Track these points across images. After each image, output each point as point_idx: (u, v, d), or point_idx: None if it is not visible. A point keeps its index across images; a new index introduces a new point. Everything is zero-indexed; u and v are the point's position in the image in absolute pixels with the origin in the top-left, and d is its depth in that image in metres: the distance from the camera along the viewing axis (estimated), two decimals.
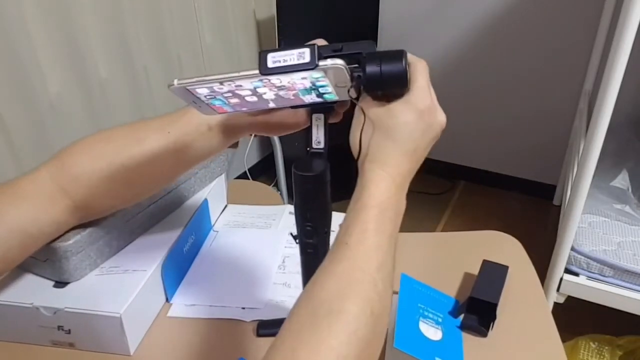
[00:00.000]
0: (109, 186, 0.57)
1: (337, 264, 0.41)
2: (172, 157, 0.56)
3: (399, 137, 0.46)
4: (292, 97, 0.46)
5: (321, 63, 0.40)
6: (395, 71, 0.45)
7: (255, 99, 0.46)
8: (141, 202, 0.71)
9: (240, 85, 0.44)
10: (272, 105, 0.48)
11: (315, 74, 0.41)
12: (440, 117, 0.48)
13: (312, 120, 0.50)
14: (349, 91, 0.44)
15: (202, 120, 0.55)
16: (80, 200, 0.57)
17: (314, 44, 0.41)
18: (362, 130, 0.47)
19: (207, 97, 0.46)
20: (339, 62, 0.40)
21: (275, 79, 0.42)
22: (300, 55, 0.40)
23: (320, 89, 0.44)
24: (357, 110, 0.48)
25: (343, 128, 0.54)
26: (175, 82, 0.44)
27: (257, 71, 0.41)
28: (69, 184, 0.56)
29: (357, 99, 0.48)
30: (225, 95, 0.46)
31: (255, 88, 0.44)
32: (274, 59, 0.41)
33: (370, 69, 0.45)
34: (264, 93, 0.45)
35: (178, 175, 0.62)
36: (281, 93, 0.45)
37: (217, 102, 0.47)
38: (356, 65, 0.46)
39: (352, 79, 0.43)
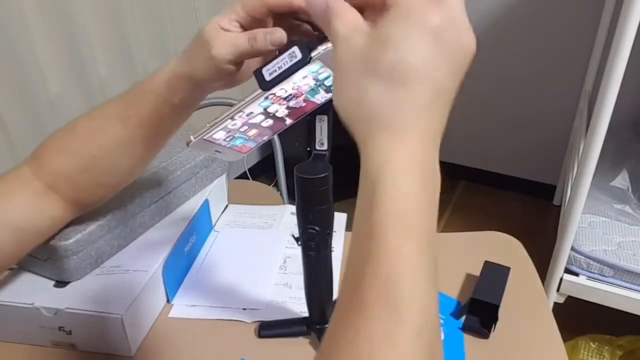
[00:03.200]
0: (89, 178, 0.56)
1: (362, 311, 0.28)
2: (140, 140, 0.54)
3: (412, 78, 0.29)
4: (304, 103, 0.46)
5: (314, 54, 0.40)
6: None
7: (270, 121, 0.46)
8: (142, 201, 0.71)
9: (252, 112, 0.44)
10: (289, 121, 0.48)
11: (314, 67, 0.41)
12: (466, 35, 0.30)
13: (316, 122, 0.50)
14: None
15: (163, 99, 0.50)
16: (68, 195, 0.56)
17: (300, 40, 0.41)
18: (349, 87, 0.31)
19: (227, 139, 0.46)
20: (330, 43, 0.40)
21: (279, 90, 0.42)
22: (291, 55, 0.40)
23: (325, 82, 0.44)
24: (333, 57, 0.32)
25: (344, 127, 0.54)
26: (192, 137, 0.44)
27: (259, 91, 0.41)
28: (51, 180, 0.55)
29: None
30: (242, 130, 0.46)
31: (265, 109, 0.44)
32: (269, 70, 0.41)
33: None
34: (276, 111, 0.45)
35: (158, 151, 0.59)
36: (291, 104, 0.45)
37: (238, 142, 0.47)
38: None
39: None
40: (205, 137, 0.44)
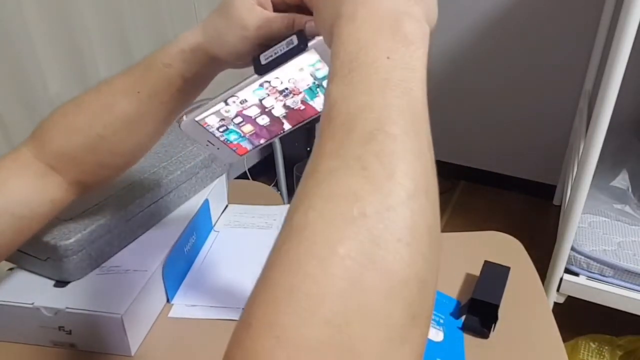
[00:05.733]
0: (94, 159, 0.53)
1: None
2: (149, 117, 0.51)
3: None
4: (302, 106, 0.46)
5: (310, 43, 0.40)
6: None
7: (267, 119, 0.46)
8: (142, 202, 0.71)
9: (246, 100, 0.44)
10: (287, 126, 0.48)
11: (311, 59, 0.41)
12: None
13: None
14: None
15: (174, 72, 0.48)
16: (71, 176, 0.53)
17: (300, 30, 0.41)
18: None
19: (220, 129, 0.46)
20: None
21: (275, 80, 0.42)
22: (289, 42, 0.41)
23: (324, 84, 0.44)
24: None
25: None
26: (184, 116, 0.44)
27: (255, 75, 0.42)
28: (53, 160, 0.52)
29: None
30: (236, 122, 0.45)
31: (260, 101, 0.44)
32: (266, 56, 0.41)
33: None
34: (272, 107, 0.45)
35: (165, 129, 0.55)
36: (289, 103, 0.45)
37: (232, 137, 0.47)
38: None
39: None
40: (197, 119, 0.44)
